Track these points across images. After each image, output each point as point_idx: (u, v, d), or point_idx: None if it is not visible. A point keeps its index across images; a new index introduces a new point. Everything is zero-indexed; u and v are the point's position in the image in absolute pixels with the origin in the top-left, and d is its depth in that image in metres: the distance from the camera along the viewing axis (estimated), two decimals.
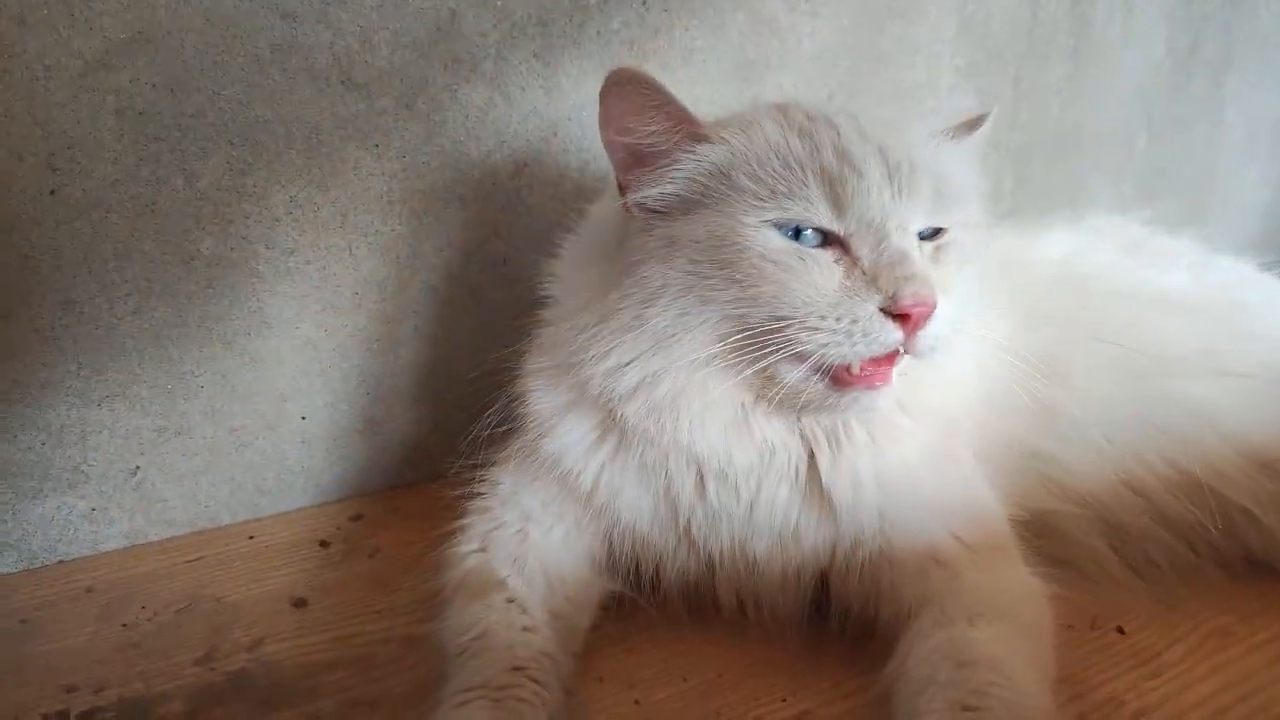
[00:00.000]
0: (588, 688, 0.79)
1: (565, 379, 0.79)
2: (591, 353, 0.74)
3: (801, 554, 0.80)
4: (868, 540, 0.79)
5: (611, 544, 0.85)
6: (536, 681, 0.71)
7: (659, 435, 0.75)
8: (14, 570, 0.97)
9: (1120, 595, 0.88)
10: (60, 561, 0.98)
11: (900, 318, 0.67)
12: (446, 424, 1.11)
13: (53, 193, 0.88)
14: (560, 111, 1.08)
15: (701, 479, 0.78)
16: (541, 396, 0.82)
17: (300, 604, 0.92)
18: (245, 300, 0.98)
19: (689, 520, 0.80)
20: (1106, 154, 1.62)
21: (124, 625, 0.89)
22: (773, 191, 0.69)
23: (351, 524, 1.07)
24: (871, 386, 0.70)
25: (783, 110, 0.76)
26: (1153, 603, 0.88)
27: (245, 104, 0.92)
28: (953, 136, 0.81)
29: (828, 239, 0.70)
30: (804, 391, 0.71)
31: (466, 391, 1.08)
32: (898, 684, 0.71)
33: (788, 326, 0.67)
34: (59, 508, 0.97)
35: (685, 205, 0.72)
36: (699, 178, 0.72)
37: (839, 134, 0.71)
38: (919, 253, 0.70)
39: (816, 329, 0.67)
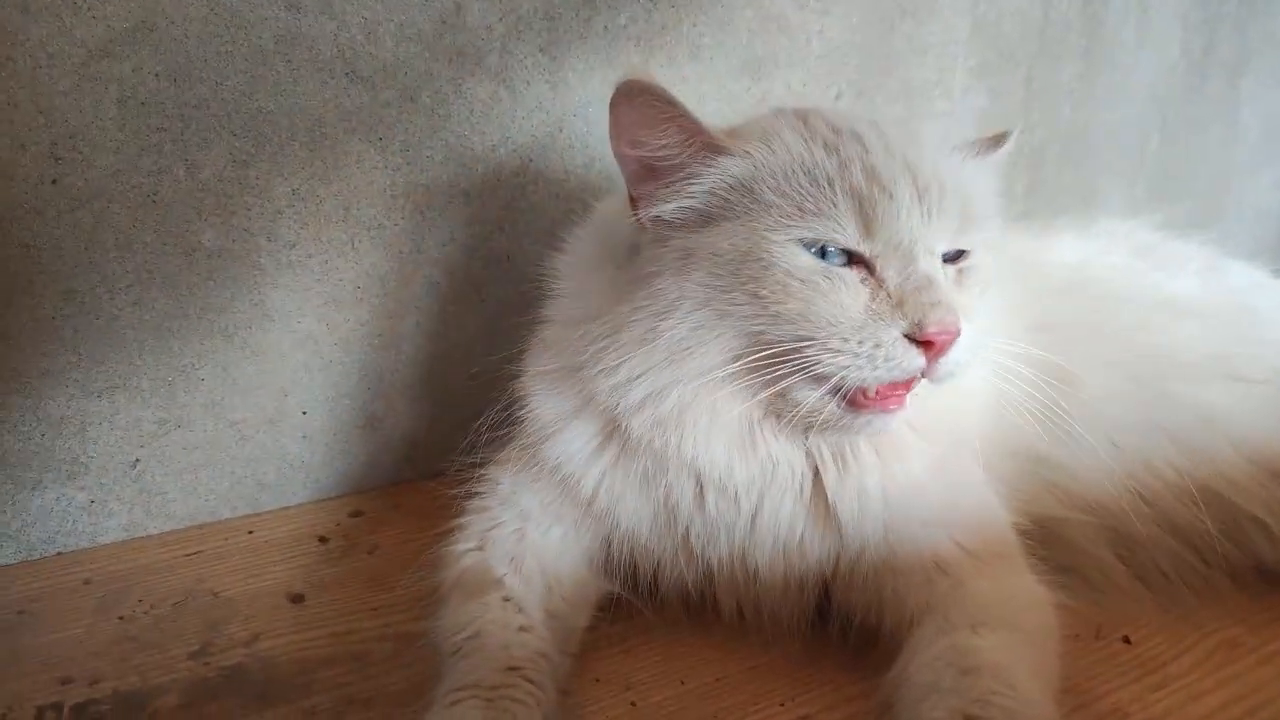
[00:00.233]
0: (584, 689, 0.79)
1: (569, 385, 0.78)
2: (601, 366, 0.73)
3: (805, 565, 0.79)
4: (871, 551, 0.78)
5: (610, 547, 0.84)
6: (531, 682, 0.70)
7: (662, 448, 0.74)
8: (13, 561, 0.96)
9: (1127, 604, 0.87)
10: (59, 553, 0.98)
11: (924, 344, 0.66)
12: (448, 421, 1.10)
13: (54, 182, 0.87)
14: (566, 107, 1.07)
15: (701, 490, 0.77)
16: (544, 401, 0.81)
17: (298, 600, 0.91)
18: (246, 293, 0.98)
19: (687, 529, 0.79)
20: (1119, 156, 1.60)
21: (121, 618, 0.88)
22: (800, 209, 0.68)
23: (351, 520, 1.06)
24: (886, 410, 0.69)
25: (803, 119, 0.74)
26: (1160, 612, 0.87)
27: (248, 95, 0.92)
28: (975, 153, 0.79)
29: (852, 259, 0.68)
30: (818, 412, 0.70)
31: (469, 388, 1.08)
32: (899, 690, 0.69)
33: (808, 347, 0.66)
34: (58, 499, 0.96)
35: (703, 218, 0.71)
36: (719, 191, 0.70)
37: (866, 150, 0.69)
38: (944, 278, 0.69)
39: (839, 351, 0.66)
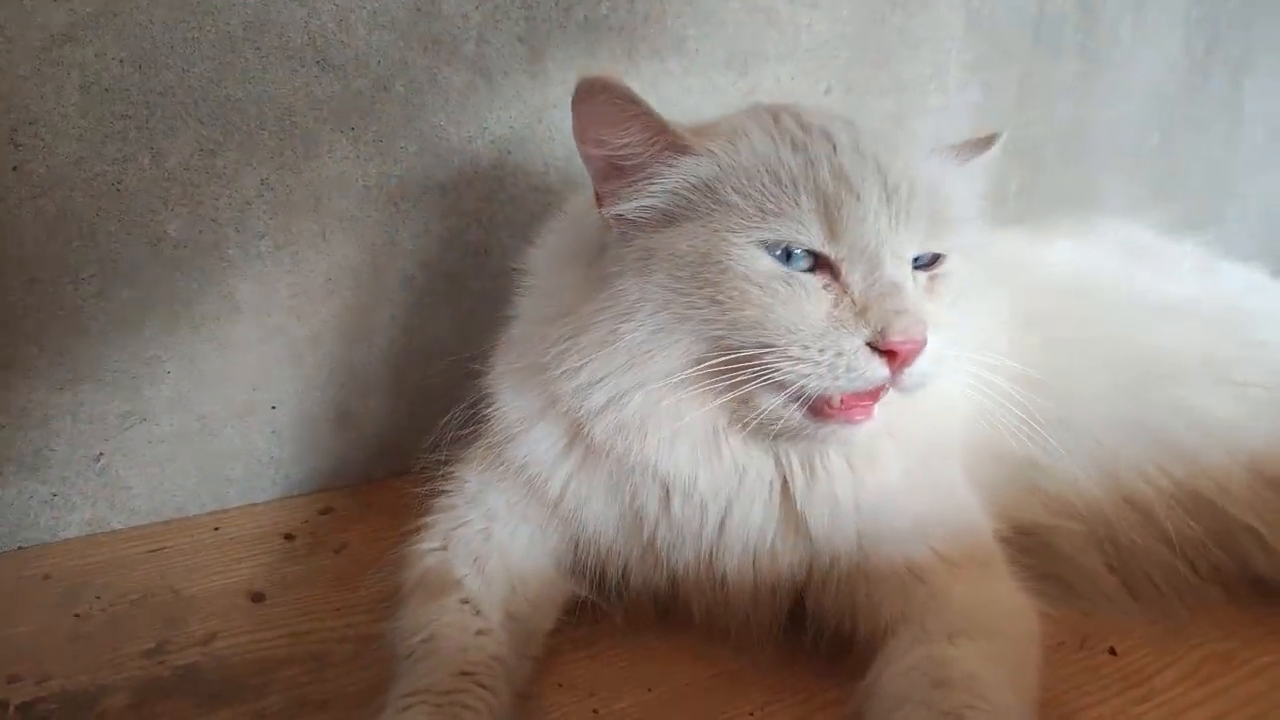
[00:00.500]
0: (546, 693, 0.76)
1: (535, 384, 0.75)
2: (563, 367, 0.70)
3: (776, 572, 0.76)
4: (844, 559, 0.75)
5: (577, 549, 0.82)
6: (484, 687, 0.68)
7: (625, 453, 0.71)
8: None
9: (1113, 614, 0.84)
10: (20, 548, 0.96)
11: (887, 354, 0.63)
12: (423, 417, 1.07)
13: (15, 169, 0.85)
14: (545, 98, 1.05)
15: (667, 494, 0.74)
16: (510, 399, 0.79)
17: (258, 598, 0.89)
18: (214, 284, 0.96)
19: (653, 533, 0.76)
20: (1119, 155, 1.57)
21: (77, 615, 0.86)
22: (762, 210, 0.65)
23: (320, 518, 1.04)
24: (851, 421, 0.66)
25: (774, 117, 0.71)
26: (1148, 623, 0.84)
27: (216, 82, 0.90)
28: (958, 155, 0.76)
29: (818, 262, 0.65)
30: (780, 419, 0.67)
31: (444, 384, 1.05)
32: (871, 701, 0.67)
33: (768, 353, 0.63)
34: (19, 493, 0.94)
35: (666, 218, 0.68)
36: (681, 191, 0.67)
37: (835, 149, 0.66)
38: (912, 284, 0.66)
39: (799, 359, 0.63)
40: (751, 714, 0.74)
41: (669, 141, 0.67)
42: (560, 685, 0.77)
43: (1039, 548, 0.83)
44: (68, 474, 0.96)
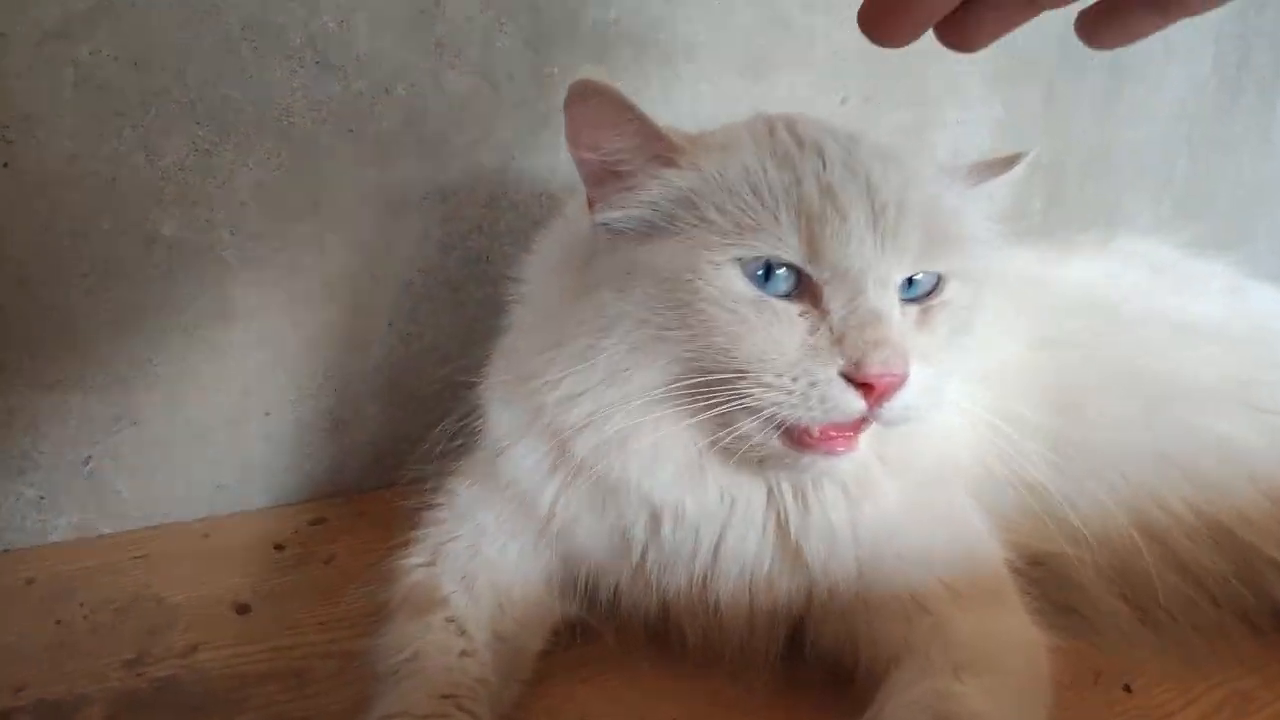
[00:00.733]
0: (534, 718, 0.73)
1: (523, 397, 0.73)
2: (545, 379, 0.68)
3: (773, 601, 0.73)
4: (844, 588, 0.72)
5: (567, 567, 0.79)
6: (467, 711, 0.65)
7: (607, 471, 0.68)
8: None
9: (1129, 649, 0.80)
10: (5, 550, 0.94)
11: (864, 386, 0.59)
12: (420, 427, 1.04)
13: (6, 165, 0.84)
14: (552, 103, 1.02)
15: (655, 518, 0.71)
16: (499, 412, 0.76)
17: (243, 610, 0.87)
18: (208, 287, 0.94)
19: (642, 556, 0.73)
20: (1145, 173, 1.53)
21: (58, 622, 0.84)
22: (739, 225, 0.61)
23: (311, 528, 1.01)
24: (833, 452, 0.63)
25: (770, 128, 0.68)
26: (1165, 659, 0.80)
27: (212, 82, 0.88)
28: (972, 175, 0.72)
29: (799, 285, 0.62)
30: (759, 445, 0.64)
31: (439, 394, 1.03)
32: None
33: (740, 379, 0.60)
34: (5, 495, 0.93)
35: (652, 230, 0.65)
36: (663, 204, 0.64)
37: (825, 165, 0.63)
38: (897, 314, 0.62)
39: (770, 386, 0.60)
40: None
41: (657, 151, 0.65)
42: (549, 711, 0.74)
43: (1051, 578, 0.80)
44: (55, 477, 0.94)
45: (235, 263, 0.94)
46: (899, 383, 0.59)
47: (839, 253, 0.60)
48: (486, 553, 0.79)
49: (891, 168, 0.64)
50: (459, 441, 0.81)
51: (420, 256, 1.02)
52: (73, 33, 0.82)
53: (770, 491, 0.71)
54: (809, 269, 0.61)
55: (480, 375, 0.80)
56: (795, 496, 0.70)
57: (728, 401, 0.61)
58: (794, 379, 0.59)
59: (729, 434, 0.63)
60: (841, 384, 0.59)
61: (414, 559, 0.80)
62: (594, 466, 0.68)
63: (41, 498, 0.94)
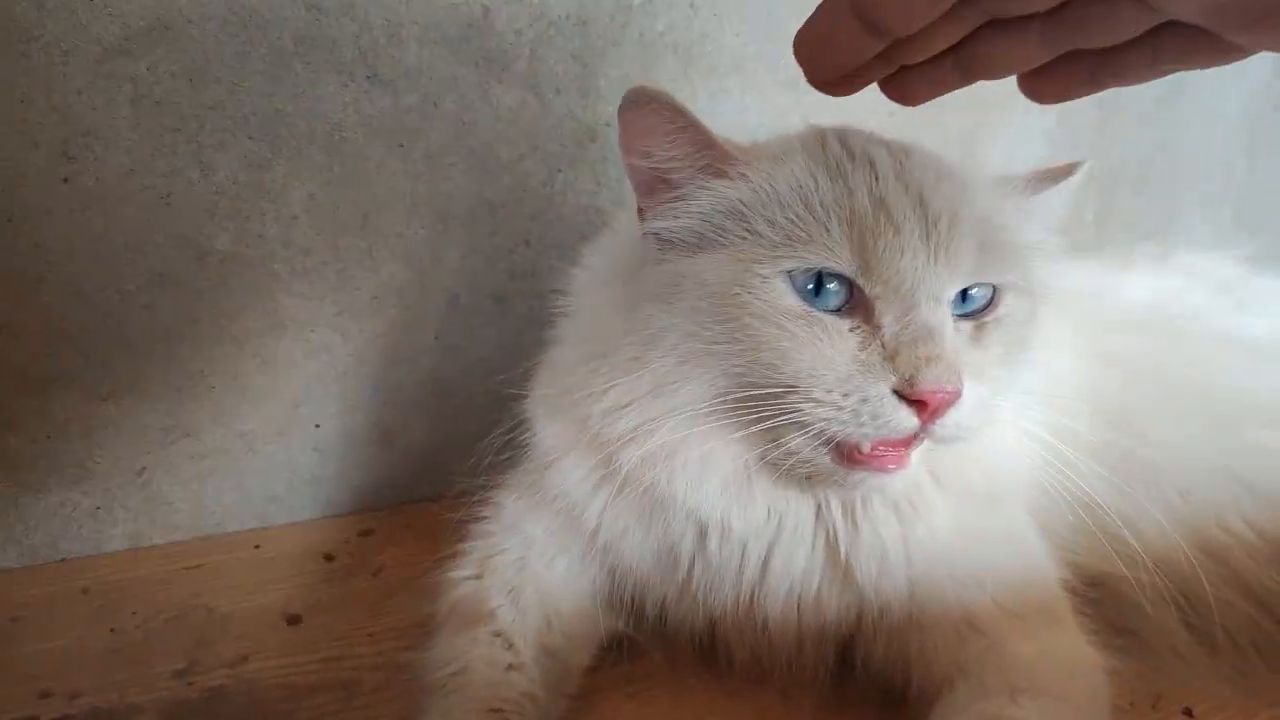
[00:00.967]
0: None
1: (570, 409, 0.72)
2: (590, 390, 0.67)
3: (822, 619, 0.72)
4: (896, 608, 0.71)
5: (614, 581, 0.78)
6: None
7: (653, 485, 0.67)
8: (14, 565, 0.94)
9: (1190, 673, 0.78)
10: (62, 560, 0.96)
11: (917, 403, 0.58)
12: (465, 439, 1.05)
13: (66, 181, 0.85)
14: (598, 116, 1.02)
15: (703, 532, 0.70)
16: (546, 425, 0.76)
17: (294, 620, 0.87)
18: (259, 300, 0.95)
19: (689, 571, 0.72)
20: (1203, 183, 1.49)
21: (112, 630, 0.86)
22: (790, 238, 0.60)
23: (360, 539, 1.02)
24: (884, 470, 0.61)
25: (821, 140, 0.67)
26: (1227, 684, 0.77)
27: (266, 97, 0.89)
28: (1028, 185, 0.70)
29: (851, 298, 0.61)
30: (809, 460, 0.62)
31: (488, 406, 1.03)
32: None
33: (789, 394, 0.59)
34: (62, 504, 0.94)
35: (701, 242, 0.65)
36: (714, 215, 0.64)
37: (876, 177, 0.62)
38: (951, 329, 0.60)
39: (820, 402, 0.58)
40: None
41: (709, 160, 0.64)
42: None
43: (1110, 599, 0.78)
44: (110, 487, 0.96)
45: (286, 275, 0.95)
46: (952, 399, 0.58)
47: (891, 266, 0.59)
48: (534, 566, 0.79)
49: (944, 180, 0.63)
50: (506, 454, 0.81)
51: (467, 269, 1.02)
52: (132, 50, 0.84)
53: (819, 509, 0.69)
54: (860, 281, 0.60)
55: (526, 388, 0.80)
56: (844, 514, 0.69)
57: (776, 417, 0.60)
58: (845, 395, 0.58)
59: (777, 449, 0.62)
60: (894, 400, 0.58)
61: (461, 572, 0.80)
62: (640, 479, 0.67)
63: (98, 507, 0.96)
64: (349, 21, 0.90)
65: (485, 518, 0.83)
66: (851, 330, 0.60)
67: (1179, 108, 1.42)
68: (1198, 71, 0.49)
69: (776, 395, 0.60)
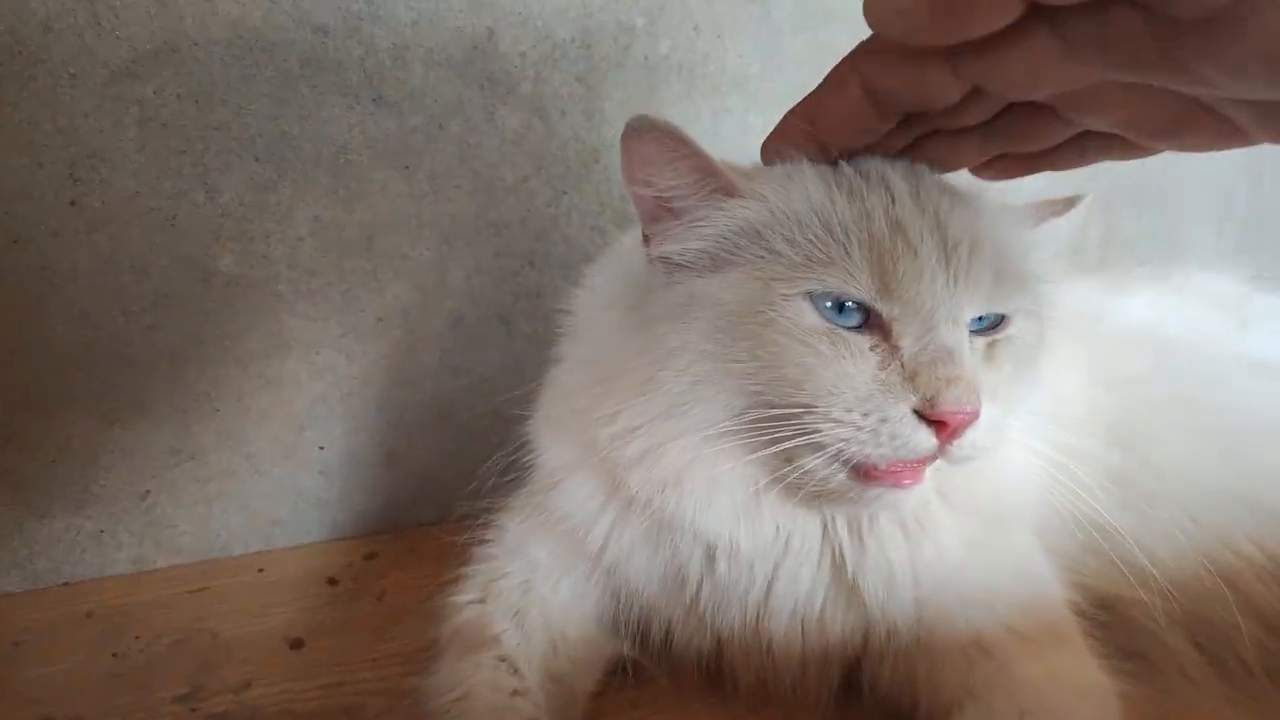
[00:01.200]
0: None
1: (574, 431, 0.72)
2: (599, 412, 0.67)
3: (826, 641, 0.71)
4: (903, 630, 0.70)
5: (619, 604, 0.78)
6: None
7: (662, 507, 0.67)
8: (17, 590, 0.94)
9: (1200, 697, 0.77)
10: (65, 584, 0.96)
11: (936, 424, 0.57)
12: (470, 461, 1.05)
13: (72, 203, 0.86)
14: (603, 138, 1.03)
15: (710, 554, 0.70)
16: (550, 447, 0.75)
17: (297, 645, 0.87)
18: (264, 321, 0.95)
19: (696, 593, 0.72)
20: (1207, 204, 1.49)
21: (114, 655, 0.85)
22: (810, 259, 0.60)
23: (364, 562, 1.02)
24: (900, 485, 0.61)
25: (833, 162, 0.66)
26: (1237, 708, 0.76)
27: (271, 119, 0.90)
28: (1030, 216, 0.70)
29: (868, 320, 0.60)
30: (823, 480, 0.62)
31: (490, 428, 1.03)
32: None
33: (808, 413, 0.59)
34: (66, 528, 0.94)
35: (714, 262, 0.64)
36: (729, 235, 0.63)
37: (893, 200, 0.61)
38: (969, 350, 0.60)
39: (840, 422, 0.58)
40: None
41: (719, 184, 0.63)
42: None
43: (1119, 622, 0.77)
44: (114, 510, 0.95)
45: (291, 297, 0.95)
46: (971, 420, 0.58)
47: (911, 288, 0.59)
48: (538, 589, 0.78)
49: (958, 204, 0.63)
50: (510, 476, 0.80)
51: (472, 290, 1.02)
52: (138, 72, 0.84)
53: (825, 527, 0.69)
54: (879, 306, 0.59)
55: (530, 409, 0.79)
56: (851, 532, 0.69)
57: (793, 437, 0.59)
58: (864, 414, 0.58)
59: (793, 470, 0.62)
60: (913, 421, 0.57)
61: (464, 596, 0.79)
62: (648, 502, 0.67)
63: (101, 531, 0.95)
64: (355, 44, 0.90)
65: (488, 540, 0.83)
66: (872, 349, 0.60)
67: None
68: None
69: (793, 415, 0.59)
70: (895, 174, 0.64)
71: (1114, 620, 0.77)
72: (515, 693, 0.69)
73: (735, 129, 1.09)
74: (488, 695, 0.68)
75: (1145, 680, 0.75)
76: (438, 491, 1.08)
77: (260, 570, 1.00)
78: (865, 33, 0.51)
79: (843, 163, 0.65)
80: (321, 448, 1.02)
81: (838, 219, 0.60)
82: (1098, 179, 1.34)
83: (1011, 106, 0.57)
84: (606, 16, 1.00)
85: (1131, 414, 0.83)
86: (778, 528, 0.68)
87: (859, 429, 0.58)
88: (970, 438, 0.59)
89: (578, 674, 0.76)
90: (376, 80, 0.92)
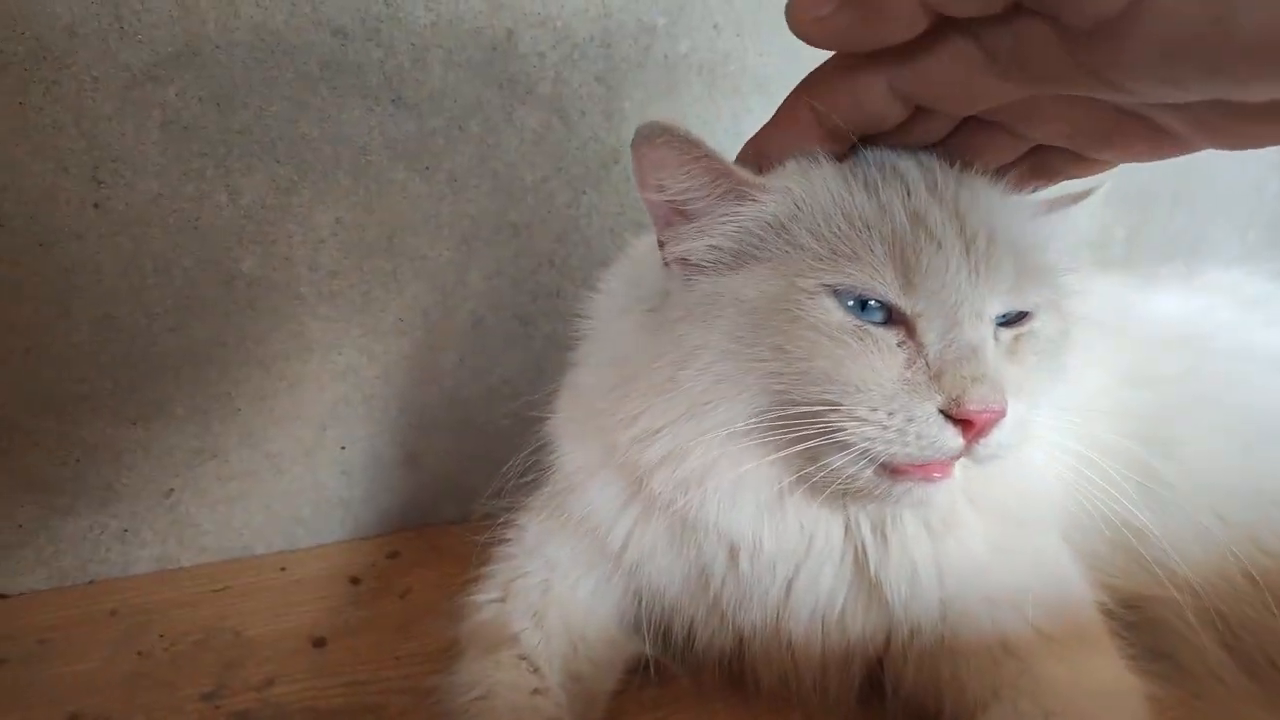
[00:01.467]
0: None
1: (594, 432, 0.71)
2: (620, 415, 0.66)
3: (846, 640, 0.71)
4: (927, 630, 0.70)
5: (640, 603, 0.78)
6: None
7: (685, 507, 0.66)
8: (43, 587, 0.95)
9: (1230, 698, 0.76)
10: (90, 582, 0.96)
11: (962, 423, 0.57)
12: (490, 461, 1.05)
13: (96, 206, 0.86)
14: (622, 138, 1.02)
15: (734, 553, 0.69)
16: (570, 448, 0.75)
17: (320, 644, 0.87)
18: (286, 322, 0.95)
19: (719, 592, 0.71)
20: (1233, 202, 1.47)
21: (139, 653, 0.86)
22: (834, 251, 0.59)
23: (387, 561, 1.02)
24: (929, 479, 0.60)
25: (850, 155, 0.65)
26: (1268, 709, 0.75)
27: (292, 121, 0.90)
28: (1051, 208, 0.69)
29: (892, 315, 0.59)
30: (851, 478, 0.61)
31: (510, 428, 1.03)
32: None
33: (832, 412, 0.58)
34: (91, 526, 0.95)
35: (734, 260, 0.63)
36: (755, 229, 0.62)
37: (909, 193, 0.60)
38: (993, 346, 0.60)
39: (865, 420, 0.57)
40: None
41: (733, 184, 0.62)
42: None
43: (1147, 622, 0.77)
44: (138, 509, 0.96)
45: (312, 298, 0.96)
46: (998, 418, 0.57)
47: (934, 283, 0.58)
48: (558, 589, 0.78)
49: (977, 195, 0.62)
50: (529, 476, 0.80)
51: (491, 291, 1.03)
52: (161, 76, 0.85)
53: (848, 526, 0.68)
54: (902, 302, 0.59)
55: (550, 410, 0.79)
56: (874, 532, 0.68)
57: (817, 435, 0.58)
58: (890, 414, 0.57)
59: (818, 469, 0.61)
60: (940, 420, 0.57)
61: (484, 595, 0.79)
62: (671, 503, 0.66)
63: (125, 530, 0.96)
64: (374, 47, 0.91)
65: (508, 540, 0.83)
66: (900, 345, 0.59)
67: None
68: None
69: (817, 413, 0.58)
70: (910, 165, 0.63)
71: (1142, 621, 0.76)
72: (536, 691, 0.69)
73: (756, 129, 1.08)
74: (508, 694, 0.68)
75: (1174, 681, 0.75)
76: (458, 491, 1.08)
77: (283, 569, 1.00)
78: None
79: (863, 154, 0.64)
80: (343, 447, 1.02)
81: (859, 212, 0.60)
82: (1127, 175, 1.33)
83: (964, 124, 0.59)
84: (626, 16, 1.00)
85: (1159, 412, 0.82)
86: (801, 526, 0.67)
87: (885, 428, 0.57)
88: (996, 437, 0.58)
89: (598, 674, 0.76)
90: (396, 82, 0.92)
